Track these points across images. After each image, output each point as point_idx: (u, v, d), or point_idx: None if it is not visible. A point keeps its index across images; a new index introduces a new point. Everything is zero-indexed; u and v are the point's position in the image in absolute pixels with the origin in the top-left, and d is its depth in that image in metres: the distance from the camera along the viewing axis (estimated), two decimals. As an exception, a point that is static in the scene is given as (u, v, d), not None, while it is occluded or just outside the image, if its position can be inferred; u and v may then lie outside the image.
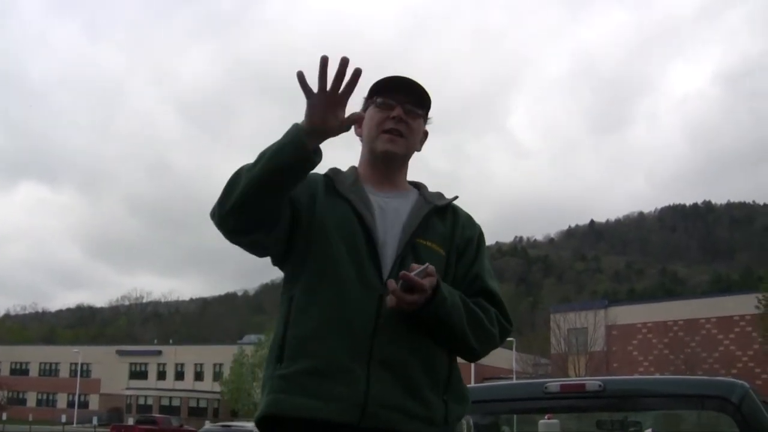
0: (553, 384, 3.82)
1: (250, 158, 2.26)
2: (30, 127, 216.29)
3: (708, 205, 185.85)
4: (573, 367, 50.04)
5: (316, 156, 2.21)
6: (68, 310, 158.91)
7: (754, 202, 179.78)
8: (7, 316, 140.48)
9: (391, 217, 2.42)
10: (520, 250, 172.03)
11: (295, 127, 2.19)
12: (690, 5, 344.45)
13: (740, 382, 3.58)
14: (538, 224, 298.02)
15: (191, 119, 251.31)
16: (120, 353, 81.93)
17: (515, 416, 8.82)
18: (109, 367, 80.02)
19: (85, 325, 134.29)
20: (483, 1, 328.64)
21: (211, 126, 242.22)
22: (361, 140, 2.58)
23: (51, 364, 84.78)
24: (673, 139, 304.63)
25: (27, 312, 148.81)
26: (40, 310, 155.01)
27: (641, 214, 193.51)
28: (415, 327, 2.24)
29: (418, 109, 2.50)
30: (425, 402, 2.23)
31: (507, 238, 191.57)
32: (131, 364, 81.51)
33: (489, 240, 2.71)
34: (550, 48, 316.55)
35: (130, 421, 58.96)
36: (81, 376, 77.30)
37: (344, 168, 2.60)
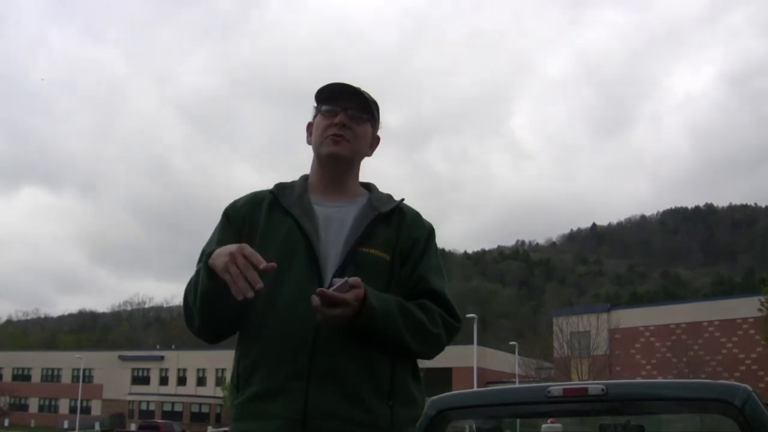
0: (556, 388, 3.81)
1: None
2: (31, 131, 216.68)
3: (710, 208, 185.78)
4: (576, 371, 50.03)
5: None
6: (70, 315, 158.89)
7: (755, 204, 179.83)
8: (9, 321, 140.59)
9: (336, 228, 2.47)
10: (522, 253, 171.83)
11: (203, 264, 2.31)
12: (693, 7, 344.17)
13: (743, 385, 3.57)
14: (540, 228, 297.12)
15: (193, 123, 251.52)
16: (122, 358, 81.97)
17: (518, 420, 8.82)
18: (111, 373, 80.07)
19: (86, 330, 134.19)
20: (484, 2, 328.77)
21: (212, 129, 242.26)
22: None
23: (53, 369, 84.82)
24: (675, 142, 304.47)
25: (29, 317, 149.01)
26: (41, 316, 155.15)
27: (643, 217, 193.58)
28: (353, 337, 2.29)
29: (363, 114, 2.57)
30: (368, 409, 2.30)
31: (509, 242, 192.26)
32: (133, 369, 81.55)
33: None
34: (552, 50, 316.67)
35: (133, 427, 59.00)
36: (83, 381, 77.23)
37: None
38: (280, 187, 2.59)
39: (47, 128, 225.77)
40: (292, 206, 2.50)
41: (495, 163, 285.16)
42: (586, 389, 3.79)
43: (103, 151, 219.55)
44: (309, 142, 2.64)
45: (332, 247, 2.43)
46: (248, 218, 2.52)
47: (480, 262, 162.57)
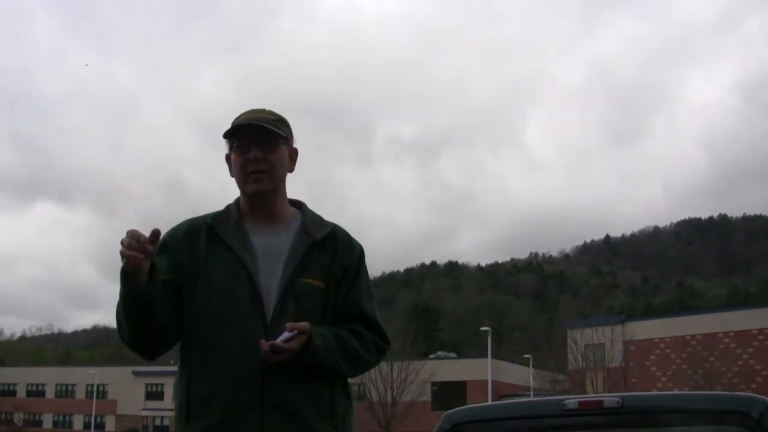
0: (571, 401, 3.80)
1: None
2: (44, 146, 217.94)
3: (723, 219, 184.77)
4: (591, 384, 49.76)
5: (151, 285, 2.44)
6: (84, 331, 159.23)
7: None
8: (23, 337, 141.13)
9: (273, 258, 2.61)
10: (535, 266, 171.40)
11: (121, 275, 2.43)
12: (707, 15, 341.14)
13: (761, 396, 3.54)
14: (554, 240, 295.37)
15: (206, 136, 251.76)
16: (136, 374, 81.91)
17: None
18: (125, 388, 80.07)
19: (100, 345, 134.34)
20: (497, 13, 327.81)
21: (224, 143, 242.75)
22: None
23: (67, 385, 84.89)
24: (688, 152, 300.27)
25: (43, 333, 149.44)
26: (55, 332, 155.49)
27: (656, 228, 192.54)
28: (298, 368, 2.48)
29: (275, 140, 2.66)
30: None
31: (522, 254, 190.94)
32: (147, 384, 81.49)
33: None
34: (565, 60, 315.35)
35: (147, 442, 59.06)
36: (97, 397, 77.37)
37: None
38: (217, 218, 2.69)
39: (60, 143, 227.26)
40: (230, 238, 2.62)
41: (508, 174, 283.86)
42: (601, 402, 3.77)
43: (116, 165, 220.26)
44: (232, 175, 2.74)
45: (272, 277, 2.57)
46: (187, 251, 2.62)
47: (493, 274, 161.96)
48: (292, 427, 2.46)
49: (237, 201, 2.76)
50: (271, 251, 2.62)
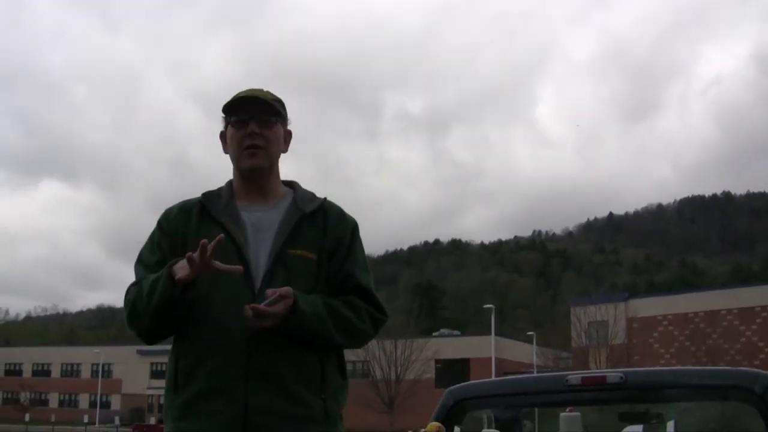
0: (575, 377, 3.80)
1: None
2: (49, 123, 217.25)
3: (727, 196, 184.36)
4: (594, 360, 49.91)
5: (188, 290, 2.47)
6: (89, 310, 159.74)
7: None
8: (28, 317, 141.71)
9: (263, 232, 2.63)
10: (538, 243, 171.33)
11: (167, 280, 2.44)
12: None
13: (763, 372, 3.54)
14: (557, 218, 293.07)
15: (212, 113, 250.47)
16: (141, 353, 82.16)
17: (536, 410, 8.82)
18: (130, 367, 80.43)
19: (105, 325, 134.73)
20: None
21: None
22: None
23: (72, 364, 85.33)
24: (695, 130, 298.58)
25: (48, 313, 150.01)
26: (61, 312, 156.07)
27: (660, 205, 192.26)
28: (285, 338, 2.47)
29: (271, 117, 2.70)
30: (303, 403, 2.49)
31: (525, 232, 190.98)
32: (152, 363, 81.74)
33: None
34: (577, 32, 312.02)
35: (152, 421, 59.37)
36: (102, 376, 77.73)
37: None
38: (208, 196, 2.72)
39: (65, 121, 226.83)
40: (221, 214, 2.64)
41: (515, 150, 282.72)
42: (604, 377, 3.78)
43: (122, 143, 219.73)
44: (225, 152, 2.77)
45: (261, 250, 2.59)
46: (180, 229, 2.66)
47: (497, 252, 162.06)
48: (277, 396, 2.46)
49: (229, 182, 2.79)
50: (261, 226, 2.64)
